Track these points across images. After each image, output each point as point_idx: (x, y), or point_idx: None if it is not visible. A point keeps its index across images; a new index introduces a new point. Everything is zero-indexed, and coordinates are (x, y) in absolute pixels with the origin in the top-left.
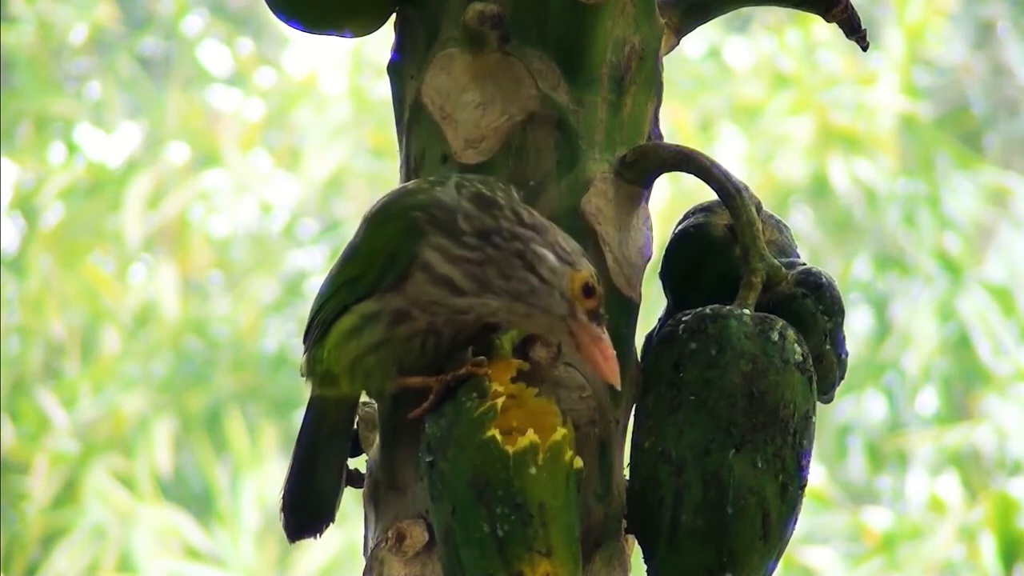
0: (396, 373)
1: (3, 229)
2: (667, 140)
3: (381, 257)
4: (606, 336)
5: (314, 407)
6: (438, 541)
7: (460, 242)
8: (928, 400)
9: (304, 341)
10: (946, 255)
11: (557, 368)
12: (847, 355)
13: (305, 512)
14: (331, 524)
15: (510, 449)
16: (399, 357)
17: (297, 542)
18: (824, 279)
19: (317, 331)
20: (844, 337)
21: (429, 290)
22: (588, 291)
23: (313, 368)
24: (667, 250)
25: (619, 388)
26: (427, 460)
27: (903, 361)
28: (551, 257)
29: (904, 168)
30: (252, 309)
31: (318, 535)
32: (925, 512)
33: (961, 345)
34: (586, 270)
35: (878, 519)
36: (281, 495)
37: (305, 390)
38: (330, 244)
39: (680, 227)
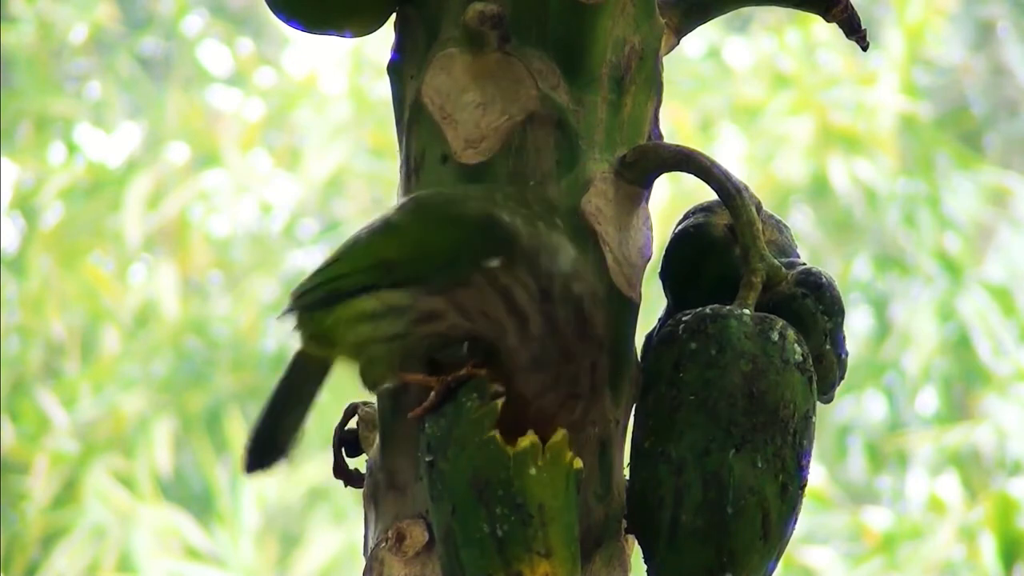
0: (399, 363)
1: (3, 229)
2: (667, 140)
3: (435, 257)
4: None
5: (296, 362)
6: (438, 541)
7: (549, 306)
8: (928, 400)
9: (299, 296)
10: (946, 255)
11: None
12: (847, 355)
13: (262, 452)
14: (282, 459)
15: (510, 450)
16: (409, 353)
17: (250, 475)
18: (824, 279)
19: (324, 295)
20: (844, 337)
21: (498, 308)
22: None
23: (308, 324)
24: (667, 250)
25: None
26: (427, 460)
27: (903, 361)
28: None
29: (904, 168)
30: (252, 309)
31: (267, 469)
32: (925, 512)
33: (961, 345)
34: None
35: (878, 519)
36: (250, 433)
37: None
38: (330, 244)
39: (680, 227)
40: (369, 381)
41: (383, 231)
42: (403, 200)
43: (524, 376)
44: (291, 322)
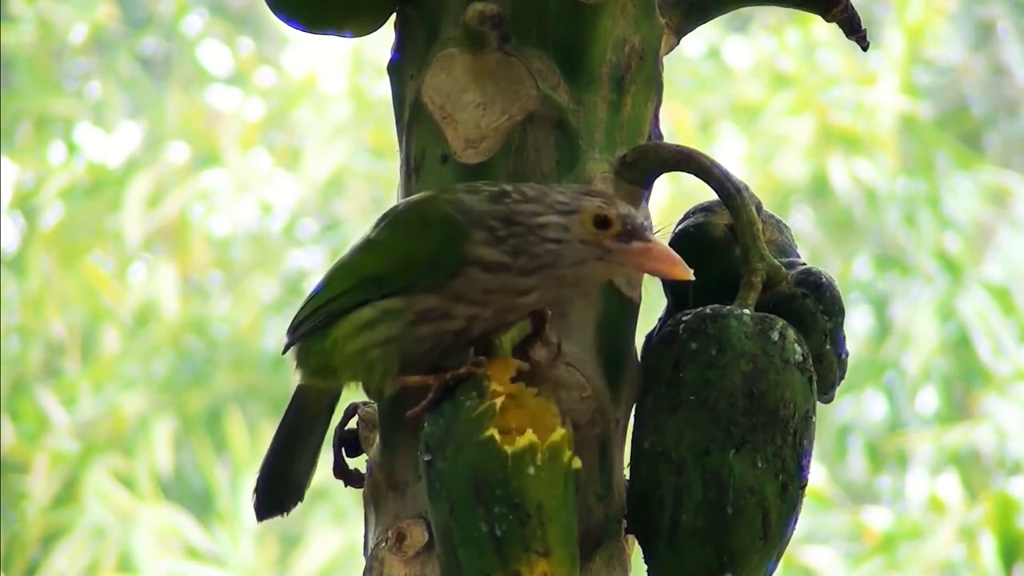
0: (397, 370)
1: (3, 229)
2: (667, 140)
3: (419, 262)
4: (653, 241)
5: (299, 397)
6: (436, 540)
7: (496, 238)
8: (928, 400)
9: (294, 329)
10: (946, 255)
11: (557, 368)
12: (847, 355)
13: (275, 494)
14: (299, 503)
15: (509, 449)
16: (405, 353)
17: (264, 521)
18: (824, 279)
19: (319, 320)
20: (844, 337)
21: (487, 279)
22: (600, 221)
23: (305, 359)
24: None
25: (692, 278)
26: (426, 459)
27: (903, 361)
28: (554, 218)
29: (904, 168)
30: (252, 309)
31: (285, 514)
32: (925, 512)
33: (961, 345)
34: (589, 206)
35: (878, 519)
36: (256, 478)
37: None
38: (330, 244)
39: (680, 227)
40: (372, 390)
41: (365, 250)
42: (379, 218)
43: (567, 289)
44: (292, 358)
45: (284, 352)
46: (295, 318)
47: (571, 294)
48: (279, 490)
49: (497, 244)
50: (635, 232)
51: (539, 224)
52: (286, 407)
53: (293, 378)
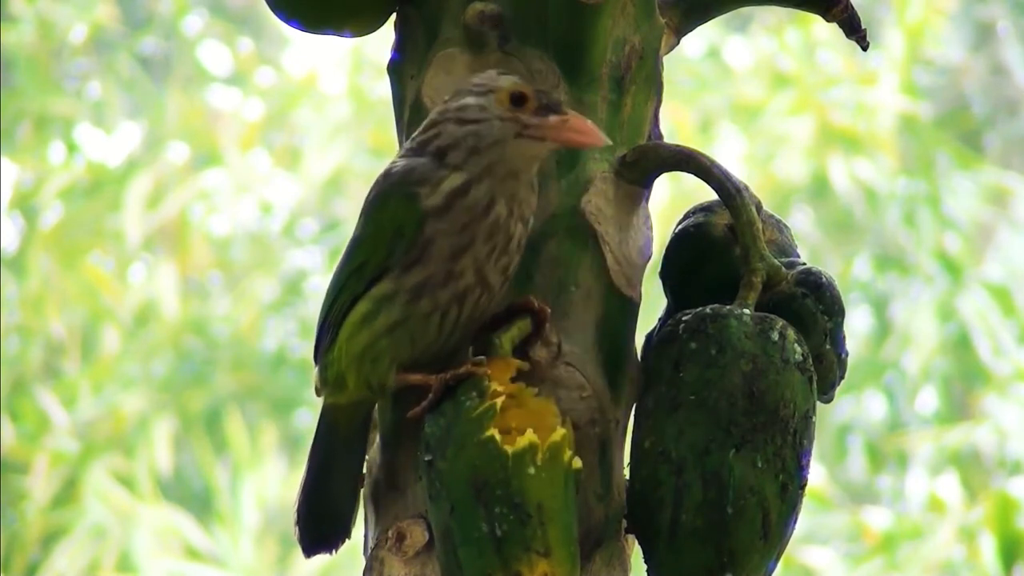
0: (408, 355)
1: (3, 229)
2: (667, 140)
3: (386, 235)
4: (570, 114)
5: (326, 417)
6: (436, 540)
7: (435, 166)
8: (928, 400)
9: (316, 352)
10: (946, 255)
11: (557, 368)
12: (847, 355)
13: (320, 526)
14: (347, 539)
15: (509, 449)
16: (415, 336)
17: (313, 557)
18: (824, 279)
19: (328, 334)
20: (844, 337)
21: (450, 218)
22: (517, 98)
23: (325, 375)
24: (667, 250)
25: (609, 143)
26: (426, 459)
27: (903, 361)
28: (469, 99)
29: (904, 168)
30: (252, 309)
31: (333, 551)
32: (925, 512)
33: (961, 345)
34: (505, 83)
35: (878, 519)
36: (296, 508)
37: (308, 392)
38: (330, 244)
39: (680, 227)
40: (376, 386)
41: (350, 246)
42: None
43: (499, 173)
44: (316, 382)
45: (318, 392)
46: (315, 345)
47: (524, 192)
48: (323, 523)
49: (436, 172)
50: (551, 106)
51: (457, 107)
52: (315, 432)
53: (310, 397)
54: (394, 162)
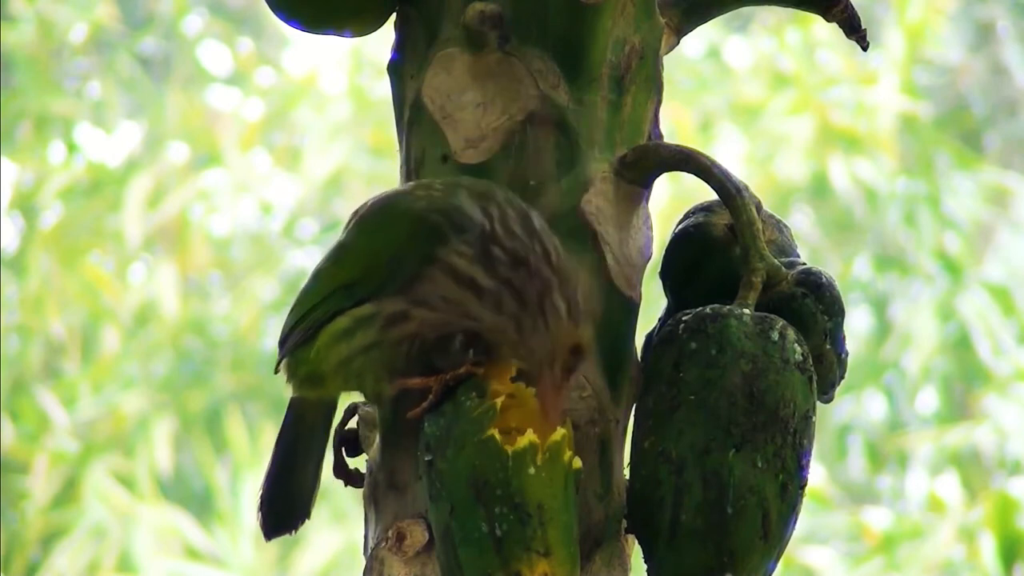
0: (388, 376)
1: (3, 229)
2: (667, 140)
3: (383, 262)
4: (567, 389)
5: (294, 408)
6: (436, 540)
7: (489, 257)
8: (928, 400)
9: (283, 343)
10: (946, 255)
11: None
12: (847, 355)
13: (281, 511)
14: (306, 520)
15: (509, 449)
16: (389, 360)
17: (273, 540)
18: (824, 279)
19: (302, 334)
20: (844, 337)
21: (452, 289)
22: (577, 353)
23: (295, 370)
24: (667, 250)
25: (554, 427)
26: (426, 459)
27: (903, 361)
28: (563, 310)
29: (904, 168)
30: (252, 309)
31: (293, 532)
32: (925, 512)
33: (961, 345)
34: (585, 334)
35: (878, 519)
36: (259, 494)
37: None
38: (330, 244)
39: (680, 227)
40: (370, 395)
41: (336, 256)
42: (349, 217)
43: (505, 338)
44: (283, 371)
45: (276, 370)
46: (283, 331)
47: (488, 341)
48: (285, 507)
49: (485, 261)
50: (570, 374)
51: (553, 304)
52: (282, 422)
53: (286, 391)
54: (417, 189)
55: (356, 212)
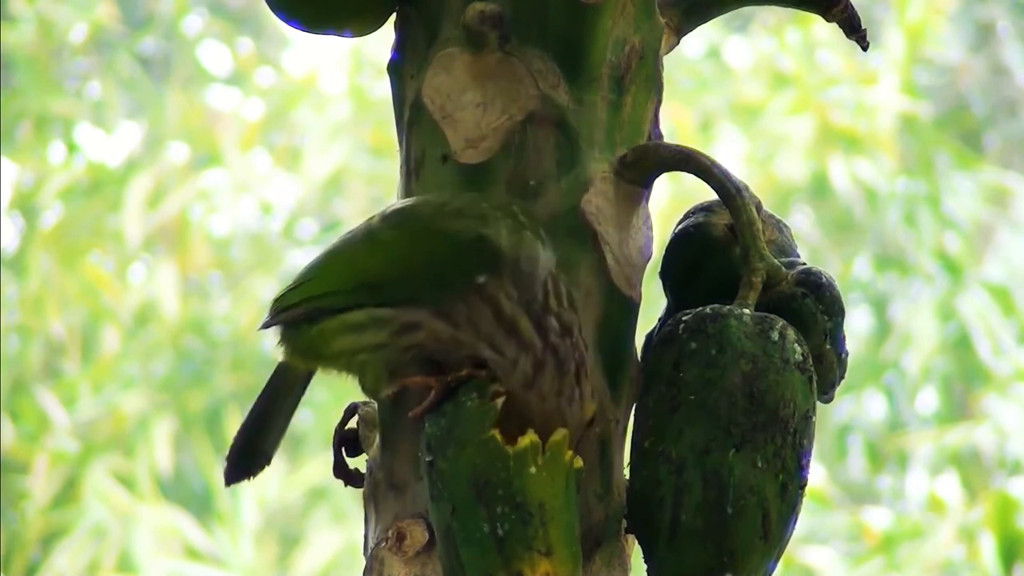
0: (388, 376)
1: (3, 229)
2: (667, 140)
3: (422, 274)
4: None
5: (280, 374)
6: (438, 540)
7: (539, 316)
8: (928, 400)
9: (279, 310)
10: (946, 255)
11: None
12: (847, 355)
13: (244, 461)
14: (266, 466)
15: (510, 449)
16: (391, 362)
17: (232, 484)
18: (824, 279)
19: (306, 313)
20: (844, 337)
21: (488, 320)
22: (591, 424)
23: (291, 339)
24: (667, 250)
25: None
26: (427, 459)
27: (903, 361)
28: (590, 391)
29: (904, 168)
30: (252, 309)
31: (251, 478)
32: (925, 512)
33: (961, 345)
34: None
35: (878, 519)
36: (230, 446)
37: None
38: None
39: (680, 227)
40: (367, 388)
41: (366, 245)
42: (387, 210)
43: (522, 386)
44: (274, 335)
45: (261, 327)
46: (281, 300)
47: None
48: (248, 457)
49: (535, 326)
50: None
51: (585, 376)
52: (266, 383)
53: (274, 352)
54: (482, 209)
55: (399, 209)
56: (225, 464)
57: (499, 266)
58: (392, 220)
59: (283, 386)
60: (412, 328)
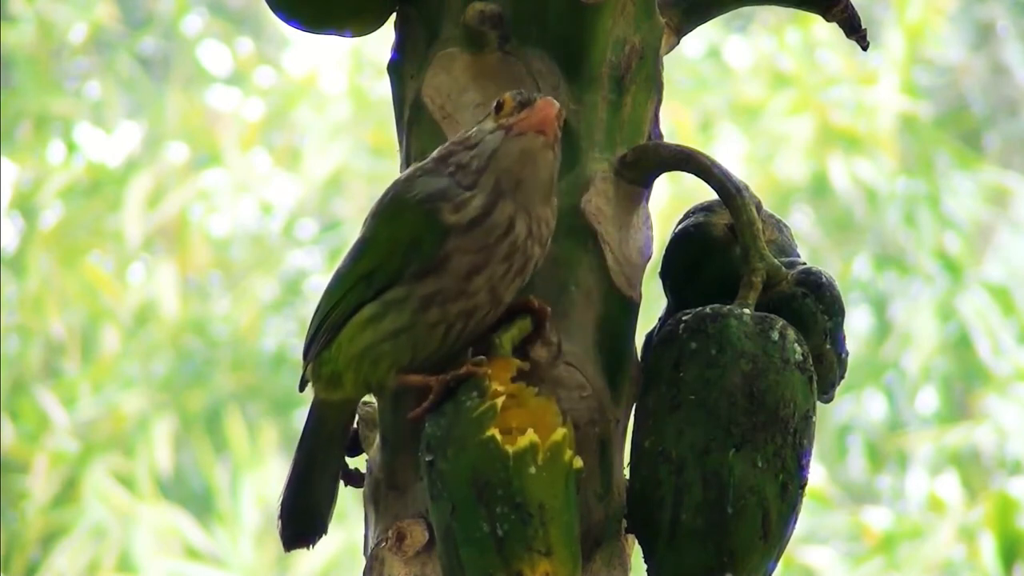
0: (408, 360)
1: (3, 229)
2: (667, 140)
3: (402, 246)
4: (538, 101)
5: (315, 412)
6: (438, 540)
7: (454, 186)
8: (928, 400)
9: (307, 349)
10: (946, 255)
11: (557, 368)
12: (847, 354)
13: (301, 521)
14: (324, 535)
15: (510, 449)
16: (417, 344)
17: (292, 551)
18: (824, 278)
19: (326, 336)
20: (844, 337)
21: (472, 238)
22: (497, 106)
23: (319, 371)
24: (667, 250)
25: (557, 134)
26: (427, 459)
27: (903, 361)
28: (473, 129)
29: (904, 168)
30: (252, 309)
31: (311, 546)
32: (925, 512)
33: (961, 345)
34: (495, 101)
35: (878, 519)
36: (279, 502)
37: (308, 392)
38: (330, 244)
39: (680, 227)
40: (375, 386)
41: (356, 248)
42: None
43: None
44: (309, 377)
45: (301, 388)
46: (306, 339)
47: (541, 210)
48: (303, 519)
49: (454, 194)
50: (526, 102)
51: (466, 137)
52: (303, 428)
53: (311, 397)
54: (412, 173)
55: (377, 200)
56: (279, 525)
57: (437, 206)
58: (371, 215)
59: (322, 431)
60: (434, 299)
